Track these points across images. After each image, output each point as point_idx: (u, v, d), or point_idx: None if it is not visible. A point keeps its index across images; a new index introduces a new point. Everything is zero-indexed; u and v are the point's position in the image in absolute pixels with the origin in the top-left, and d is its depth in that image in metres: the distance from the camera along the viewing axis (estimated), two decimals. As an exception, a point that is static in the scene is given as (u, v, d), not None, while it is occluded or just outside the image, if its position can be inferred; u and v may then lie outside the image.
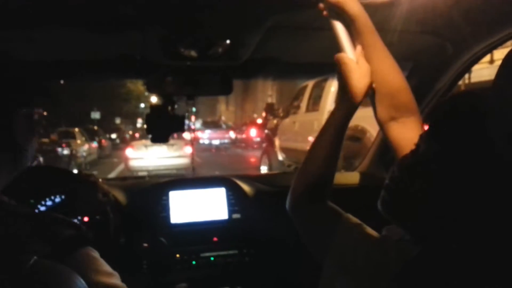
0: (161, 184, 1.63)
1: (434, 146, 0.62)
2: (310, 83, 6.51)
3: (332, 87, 5.67)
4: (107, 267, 0.70)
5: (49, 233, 0.59)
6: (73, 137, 13.30)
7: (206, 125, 19.66)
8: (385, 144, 1.56)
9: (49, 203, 1.45)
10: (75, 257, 0.62)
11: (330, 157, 0.90)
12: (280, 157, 6.99)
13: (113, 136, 23.76)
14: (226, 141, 18.51)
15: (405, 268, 0.61)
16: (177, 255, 1.45)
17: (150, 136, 1.46)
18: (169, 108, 1.45)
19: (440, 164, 0.60)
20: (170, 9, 0.92)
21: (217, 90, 1.42)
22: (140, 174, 8.73)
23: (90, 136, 15.25)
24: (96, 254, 0.69)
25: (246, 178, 1.79)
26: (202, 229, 1.54)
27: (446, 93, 1.36)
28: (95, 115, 23.51)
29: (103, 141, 16.86)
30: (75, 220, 1.31)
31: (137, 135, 22.32)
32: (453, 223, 0.58)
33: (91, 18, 0.91)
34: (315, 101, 6.05)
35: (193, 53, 1.19)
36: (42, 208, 1.43)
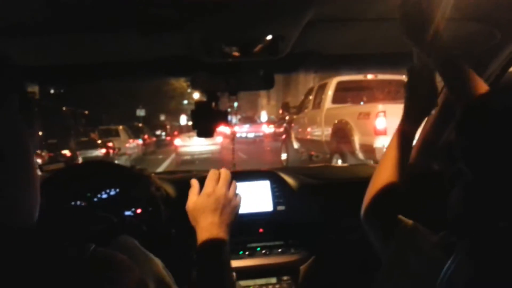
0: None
1: (463, 142, 0.61)
2: (316, 86, 7.76)
3: (330, 90, 6.87)
4: (146, 254, 0.74)
5: (87, 227, 0.63)
6: (116, 134, 13.56)
7: (243, 120, 22.20)
8: (431, 136, 1.53)
9: (104, 196, 1.55)
10: (113, 245, 0.65)
11: (397, 168, 0.93)
12: (295, 146, 8.39)
13: (158, 132, 24.40)
14: (260, 134, 21.31)
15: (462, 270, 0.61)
16: None
17: (196, 131, 1.52)
18: (213, 104, 1.50)
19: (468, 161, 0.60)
20: (211, 9, 0.95)
21: (259, 85, 1.44)
22: (186, 158, 12.43)
23: (135, 133, 15.49)
24: (133, 242, 0.74)
25: (290, 171, 1.82)
26: (247, 220, 1.58)
27: (495, 83, 1.30)
28: (141, 112, 24.15)
29: (147, 137, 17.13)
30: (129, 212, 1.39)
31: (175, 132, 22.83)
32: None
33: (139, 21, 0.96)
34: (318, 100, 7.26)
35: (234, 50, 1.22)
36: (98, 201, 1.53)
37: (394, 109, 4.83)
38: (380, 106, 5.25)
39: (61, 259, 0.47)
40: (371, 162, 5.75)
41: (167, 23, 1.01)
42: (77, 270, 0.46)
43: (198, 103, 1.48)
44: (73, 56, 1.21)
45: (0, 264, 0.41)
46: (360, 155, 5.48)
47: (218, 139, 12.48)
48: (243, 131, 21.29)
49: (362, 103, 6.72)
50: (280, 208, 1.61)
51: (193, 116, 1.49)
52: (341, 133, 5.88)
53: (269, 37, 1.16)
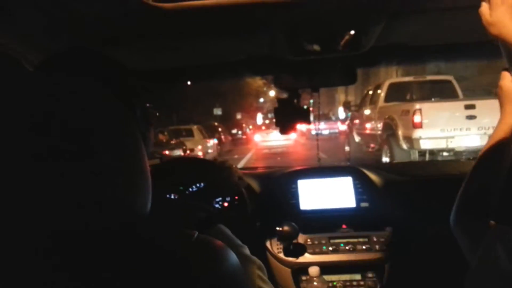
0: (290, 173, 1.72)
1: None
2: (371, 87, 9.02)
3: (383, 91, 7.93)
4: (238, 241, 0.79)
5: (189, 216, 0.69)
6: (189, 135, 12.90)
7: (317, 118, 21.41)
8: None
9: (194, 189, 1.66)
10: (210, 233, 0.71)
11: (496, 165, 0.90)
12: (356, 139, 9.36)
13: (234, 131, 24.51)
14: (335, 130, 20.97)
15: None
16: (308, 240, 1.52)
17: (278, 128, 1.56)
18: (295, 101, 1.53)
19: None
20: (295, 6, 0.98)
21: (341, 80, 1.44)
22: (265, 151, 14.13)
23: (211, 132, 14.97)
24: (227, 230, 0.79)
25: (372, 167, 1.78)
26: (330, 216, 1.59)
27: None
28: (218, 111, 24.06)
29: (222, 137, 16.69)
30: (216, 204, 1.47)
31: (252, 129, 22.65)
32: None
33: (230, 25, 1.02)
34: (374, 99, 8.29)
35: (316, 47, 1.24)
36: (188, 194, 1.65)
37: (429, 107, 6.34)
38: (417, 105, 6.29)
39: (171, 246, 0.53)
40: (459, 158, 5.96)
41: (255, 24, 1.06)
42: (184, 254, 0.51)
43: (280, 101, 1.52)
44: (171, 59, 1.32)
45: (120, 254, 0.48)
46: (403, 145, 6.56)
47: (291, 135, 13.33)
48: (318, 127, 21.45)
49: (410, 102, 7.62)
50: (364, 204, 1.59)
51: (276, 113, 1.53)
52: (389, 127, 7.02)
53: (352, 32, 1.15)
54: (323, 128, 20.93)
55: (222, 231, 0.78)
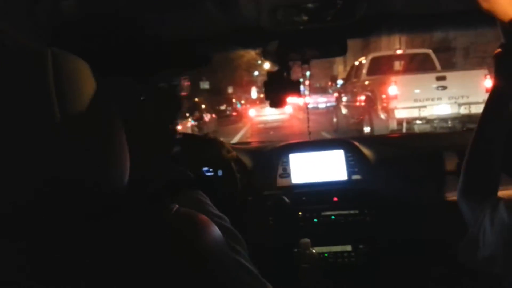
0: (281, 147, 1.71)
1: None
2: (356, 62, 9.26)
3: (366, 64, 8.30)
4: (216, 211, 0.78)
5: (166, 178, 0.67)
6: None
7: (314, 91, 20.97)
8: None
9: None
10: (186, 199, 0.69)
11: (493, 130, 0.88)
12: (343, 111, 9.63)
13: (223, 107, 21.69)
14: (333, 104, 20.56)
15: None
16: (299, 213, 1.53)
17: (268, 101, 1.54)
18: (285, 74, 1.50)
19: None
20: None
21: (332, 51, 1.40)
22: (260, 126, 13.76)
23: (190, 111, 12.18)
24: (206, 198, 0.77)
25: (365, 140, 1.78)
26: (322, 189, 1.59)
27: None
28: (204, 85, 20.99)
29: (205, 116, 13.68)
30: (202, 173, 1.46)
31: (246, 104, 20.15)
32: None
33: None
34: (359, 73, 8.61)
35: (304, 18, 1.20)
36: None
37: (404, 79, 6.90)
38: (393, 78, 6.90)
39: (148, 219, 0.52)
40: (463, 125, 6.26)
41: None
42: (162, 228, 0.50)
43: (270, 74, 1.49)
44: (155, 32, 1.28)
45: (94, 226, 0.47)
46: (382, 116, 6.99)
47: (287, 109, 13.23)
48: (313, 101, 20.38)
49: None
50: (355, 177, 1.59)
51: (265, 86, 1.50)
52: (370, 99, 7.49)
53: (340, 2, 1.12)
54: (320, 101, 20.34)
55: (199, 199, 0.77)
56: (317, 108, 19.59)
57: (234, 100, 24.43)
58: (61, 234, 0.44)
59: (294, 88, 1.50)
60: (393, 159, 1.63)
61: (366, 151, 1.65)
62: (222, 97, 22.95)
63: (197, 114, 12.96)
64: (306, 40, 1.33)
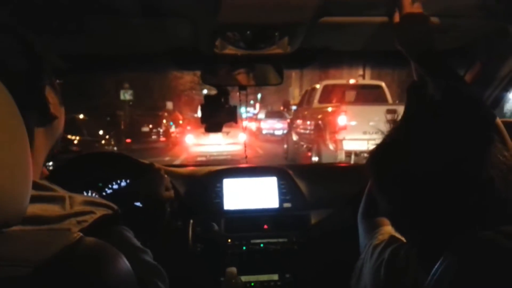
0: (216, 172, 1.69)
1: None
2: (309, 88, 9.52)
3: (318, 92, 8.47)
4: (138, 244, 0.74)
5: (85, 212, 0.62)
6: None
7: (269, 115, 20.18)
8: None
9: (115, 186, 1.57)
10: (109, 234, 0.66)
11: None
12: (294, 138, 9.56)
13: (145, 129, 14.60)
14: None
15: None
16: (229, 240, 1.50)
17: (204, 125, 1.52)
18: (222, 99, 1.50)
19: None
20: (220, 2, 0.95)
21: (269, 79, 1.43)
22: (200, 159, 9.51)
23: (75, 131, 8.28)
24: (129, 233, 0.73)
25: (299, 168, 1.80)
26: (253, 216, 1.58)
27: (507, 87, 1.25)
28: (126, 95, 15.38)
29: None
30: (137, 204, 1.39)
31: (187, 127, 12.46)
32: None
33: (144, 10, 0.96)
34: (311, 100, 8.69)
35: (242, 44, 1.22)
36: (109, 191, 1.56)
37: (355, 110, 6.76)
38: (343, 107, 6.80)
39: (47, 244, 0.48)
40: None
41: (175, 14, 1.01)
42: (63, 260, 0.47)
43: (207, 97, 1.48)
44: (83, 45, 1.22)
45: None
46: (331, 146, 6.94)
47: (240, 137, 9.20)
48: (269, 127, 18.75)
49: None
50: (286, 205, 1.60)
51: (202, 110, 1.49)
52: (319, 127, 7.46)
53: (277, 33, 1.15)
54: (277, 127, 18.24)
55: (121, 234, 0.72)
56: (273, 134, 18.06)
57: (164, 121, 16.01)
58: None
59: (230, 113, 1.50)
60: (322, 188, 1.66)
61: (298, 180, 1.67)
62: (153, 114, 16.02)
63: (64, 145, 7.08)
64: (243, 66, 1.34)
